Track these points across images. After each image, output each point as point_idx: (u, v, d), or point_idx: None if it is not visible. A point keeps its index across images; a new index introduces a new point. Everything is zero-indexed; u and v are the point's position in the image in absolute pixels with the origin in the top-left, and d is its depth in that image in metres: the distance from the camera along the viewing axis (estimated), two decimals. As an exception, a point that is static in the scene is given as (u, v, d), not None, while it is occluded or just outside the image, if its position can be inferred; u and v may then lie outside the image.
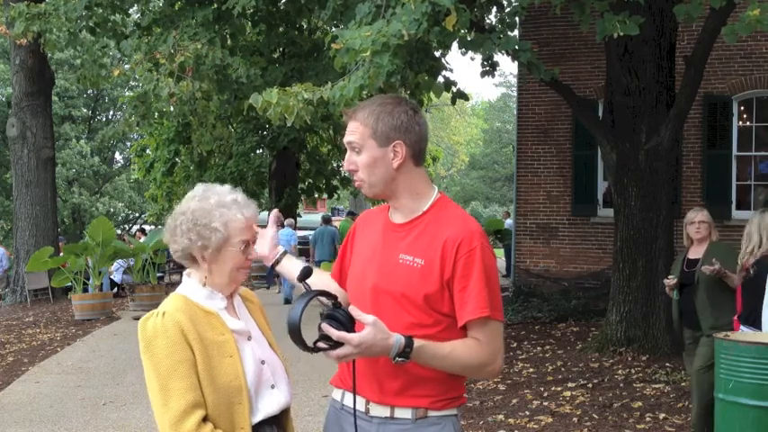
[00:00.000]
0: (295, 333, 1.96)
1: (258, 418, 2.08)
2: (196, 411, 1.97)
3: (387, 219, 2.21)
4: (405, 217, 2.16)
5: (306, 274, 2.14)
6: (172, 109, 11.94)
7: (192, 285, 2.14)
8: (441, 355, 2.01)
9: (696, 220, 5.34)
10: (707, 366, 5.07)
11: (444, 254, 2.05)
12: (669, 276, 5.49)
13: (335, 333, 1.91)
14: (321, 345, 1.94)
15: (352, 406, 2.11)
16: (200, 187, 2.16)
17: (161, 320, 2.03)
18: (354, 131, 2.11)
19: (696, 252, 5.35)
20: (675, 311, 5.48)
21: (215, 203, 2.09)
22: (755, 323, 4.63)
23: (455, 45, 7.31)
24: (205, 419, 1.99)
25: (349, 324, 1.94)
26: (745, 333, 4.44)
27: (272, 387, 2.14)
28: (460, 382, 2.16)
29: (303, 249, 19.57)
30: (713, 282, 5.08)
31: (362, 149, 2.10)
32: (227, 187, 2.17)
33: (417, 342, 1.98)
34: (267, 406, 2.11)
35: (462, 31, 6.49)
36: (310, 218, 28.83)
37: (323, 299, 2.02)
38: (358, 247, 2.27)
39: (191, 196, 2.13)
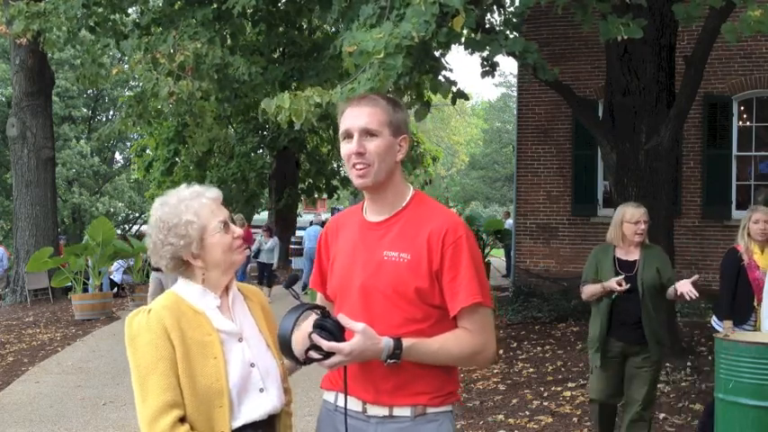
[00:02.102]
0: (285, 347, 1.97)
1: (240, 422, 2.04)
2: (172, 411, 1.95)
3: (362, 219, 2.22)
4: (383, 214, 2.17)
5: (292, 281, 2.15)
6: (170, 107, 11.94)
7: (185, 284, 2.13)
8: (431, 350, 2.04)
9: (642, 220, 4.63)
10: (651, 396, 4.73)
11: (430, 246, 2.07)
12: (618, 278, 4.51)
13: (326, 344, 1.94)
14: (313, 355, 1.96)
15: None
16: (158, 198, 2.17)
17: (146, 317, 2.02)
18: (371, 116, 2.11)
19: (627, 253, 4.68)
20: (604, 319, 4.66)
21: (176, 201, 2.10)
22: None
23: (455, 45, 7.31)
24: (183, 420, 1.97)
25: (338, 333, 1.96)
26: (745, 333, 4.44)
27: (261, 391, 2.10)
28: (455, 379, 2.17)
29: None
30: (656, 290, 4.60)
31: (379, 136, 2.11)
32: (182, 185, 2.17)
33: (406, 342, 2.01)
34: (251, 410, 2.07)
35: (465, 31, 6.50)
36: (309, 218, 28.88)
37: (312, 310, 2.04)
38: (336, 252, 2.26)
39: (154, 209, 2.13)
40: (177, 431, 1.94)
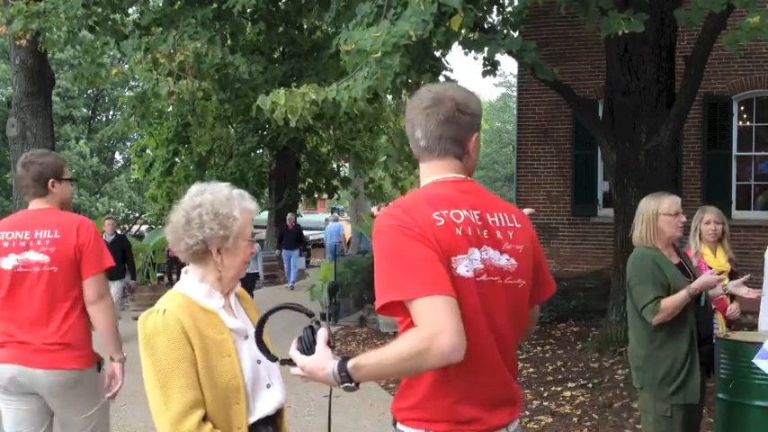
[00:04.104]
0: (258, 341, 2.00)
1: (255, 417, 2.08)
2: (196, 410, 1.97)
3: None
4: None
5: (334, 289, 2.12)
6: (170, 108, 11.94)
7: (191, 283, 2.14)
8: (377, 360, 1.82)
9: (681, 211, 3.88)
10: None
11: None
12: (711, 272, 3.81)
13: (290, 352, 1.93)
14: (287, 357, 1.96)
15: None
16: (200, 185, 2.18)
17: (161, 317, 2.02)
18: None
19: (670, 255, 3.88)
20: (694, 339, 3.67)
21: (228, 195, 2.13)
22: None
23: (455, 45, 7.33)
24: (205, 419, 1.99)
25: (310, 346, 1.91)
26: (745, 333, 4.43)
27: (268, 386, 2.15)
28: (443, 389, 1.87)
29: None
30: None
31: None
32: (224, 183, 2.21)
33: (351, 363, 1.82)
34: (264, 406, 2.12)
35: (464, 30, 6.51)
36: (311, 218, 28.94)
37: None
38: None
39: (198, 192, 2.14)
40: (203, 430, 1.96)
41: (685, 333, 3.66)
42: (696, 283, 3.64)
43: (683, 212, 3.91)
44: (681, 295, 3.61)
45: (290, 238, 17.25)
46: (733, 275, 4.82)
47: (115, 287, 10.13)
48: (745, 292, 4.14)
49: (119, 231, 13.93)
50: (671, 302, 3.61)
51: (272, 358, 2.03)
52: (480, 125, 2.06)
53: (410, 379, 1.90)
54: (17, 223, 3.45)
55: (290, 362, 1.94)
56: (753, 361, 3.60)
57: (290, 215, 17.86)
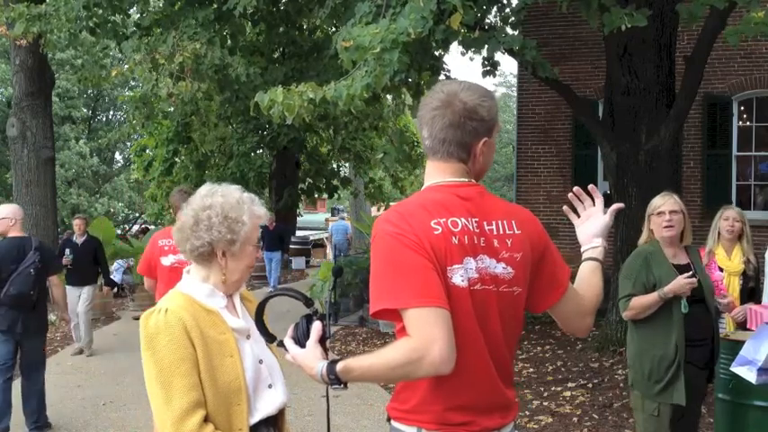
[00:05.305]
0: (257, 322, 2.06)
1: (256, 418, 2.08)
2: (198, 411, 1.97)
3: None
4: None
5: (339, 271, 2.13)
6: (172, 109, 11.95)
7: (193, 283, 2.14)
8: (370, 365, 1.83)
9: (668, 210, 3.83)
10: None
11: None
12: (686, 275, 3.68)
13: (285, 339, 1.96)
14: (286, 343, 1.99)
15: None
16: (211, 185, 2.18)
17: (164, 317, 2.01)
18: None
19: (675, 256, 3.84)
20: (681, 337, 3.66)
21: (239, 198, 2.13)
22: None
23: (453, 45, 7.34)
24: (206, 419, 1.99)
25: (303, 336, 1.94)
26: (745, 333, 4.43)
27: (270, 387, 2.15)
28: (436, 396, 1.89)
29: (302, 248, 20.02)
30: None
31: None
32: (235, 186, 2.21)
33: (340, 365, 1.84)
34: (265, 406, 2.12)
35: (463, 29, 6.52)
36: (311, 218, 28.97)
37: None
38: None
39: (208, 193, 2.13)
40: (204, 431, 1.96)
41: (672, 332, 3.66)
42: (668, 287, 3.64)
43: (682, 212, 3.86)
44: (651, 297, 3.68)
45: (271, 239, 16.05)
46: (747, 278, 4.83)
47: (86, 292, 9.58)
48: (723, 309, 4.38)
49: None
50: (639, 303, 3.72)
51: (271, 338, 2.06)
52: (492, 130, 1.98)
53: (406, 383, 1.92)
54: (171, 233, 4.76)
55: (280, 342, 1.97)
56: (731, 368, 3.57)
57: (269, 215, 17.25)
